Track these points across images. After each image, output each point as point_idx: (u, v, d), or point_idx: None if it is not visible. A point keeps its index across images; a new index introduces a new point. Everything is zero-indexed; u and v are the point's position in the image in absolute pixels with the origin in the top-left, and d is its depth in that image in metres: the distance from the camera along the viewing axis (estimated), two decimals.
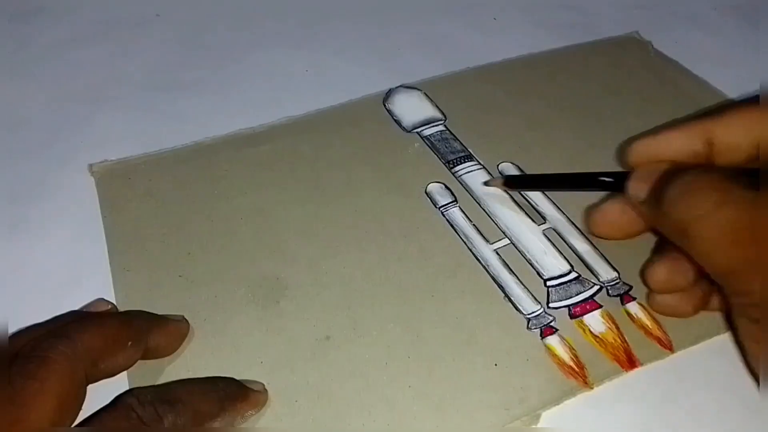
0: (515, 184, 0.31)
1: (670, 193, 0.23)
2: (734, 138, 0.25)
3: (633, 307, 0.29)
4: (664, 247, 0.28)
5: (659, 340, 0.28)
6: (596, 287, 0.30)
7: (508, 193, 0.34)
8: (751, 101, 0.26)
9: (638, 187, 0.26)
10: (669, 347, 0.28)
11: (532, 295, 0.29)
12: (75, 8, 0.48)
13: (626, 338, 0.28)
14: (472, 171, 0.35)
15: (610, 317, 0.29)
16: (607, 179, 0.28)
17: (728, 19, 0.48)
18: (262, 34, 0.46)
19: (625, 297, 0.30)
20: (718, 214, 0.22)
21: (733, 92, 0.40)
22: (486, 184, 0.32)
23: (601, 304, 0.29)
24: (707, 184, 0.22)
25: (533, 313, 0.29)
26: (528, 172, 0.35)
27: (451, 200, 0.33)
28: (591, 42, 0.45)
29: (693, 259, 0.24)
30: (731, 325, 0.26)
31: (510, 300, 0.29)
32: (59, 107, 0.40)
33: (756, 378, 0.25)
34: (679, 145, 0.26)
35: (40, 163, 0.36)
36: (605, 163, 0.36)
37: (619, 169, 0.35)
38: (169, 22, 0.47)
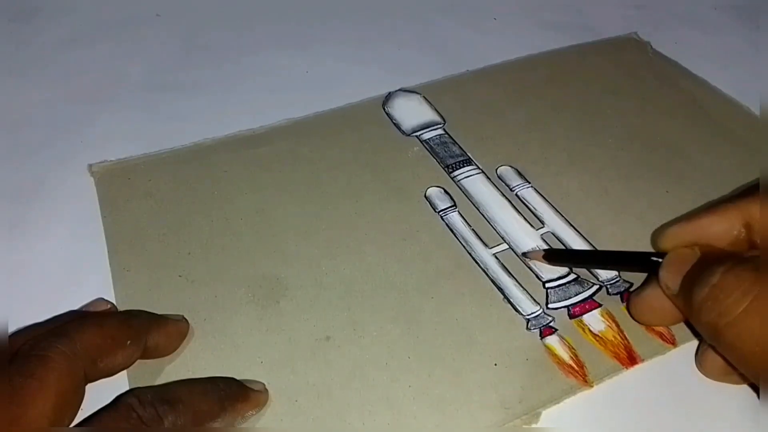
0: (555, 258, 0.30)
1: (698, 296, 0.22)
2: None
3: None
4: None
5: (661, 335, 0.28)
6: (595, 287, 0.30)
7: (507, 199, 0.34)
8: None
9: (669, 279, 0.24)
10: (672, 341, 0.28)
11: (531, 297, 0.30)
12: (75, 8, 0.48)
13: (627, 335, 0.28)
14: (471, 175, 0.35)
15: (609, 315, 0.29)
16: (645, 260, 0.27)
17: (728, 19, 0.48)
18: (263, 35, 0.46)
19: (625, 295, 0.30)
20: (749, 320, 0.21)
21: (733, 92, 0.40)
22: (524, 255, 0.31)
23: (601, 303, 0.29)
24: (736, 287, 0.21)
25: (532, 313, 0.29)
26: (526, 175, 0.35)
27: (450, 205, 0.34)
28: (590, 42, 0.45)
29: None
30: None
31: (509, 301, 0.29)
32: (59, 107, 0.40)
33: None
34: (717, 230, 0.25)
35: (40, 163, 0.36)
36: (605, 162, 0.36)
37: (622, 169, 0.36)
38: (169, 22, 0.47)
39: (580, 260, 0.31)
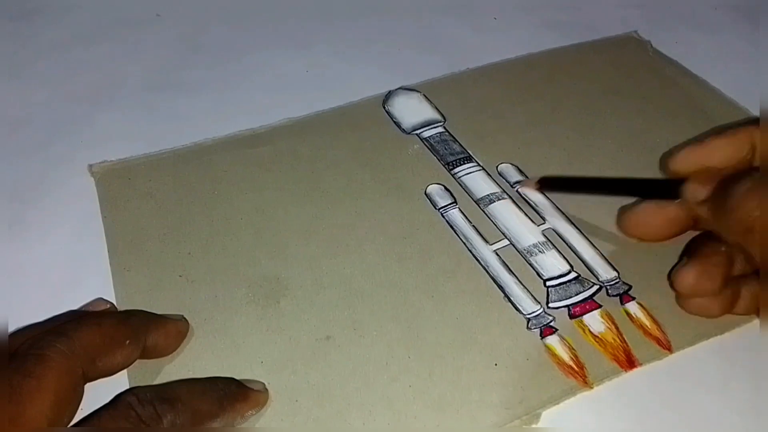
0: (551, 186, 0.31)
1: (737, 191, 0.24)
2: None
3: (632, 307, 0.29)
4: (692, 250, 0.28)
5: (658, 341, 0.28)
6: (596, 287, 0.30)
7: (509, 196, 0.34)
8: None
9: (697, 189, 0.26)
10: (668, 347, 0.28)
11: (532, 295, 0.30)
12: (75, 8, 0.48)
13: (625, 338, 0.28)
14: (471, 172, 0.35)
15: (609, 317, 0.29)
16: (657, 185, 0.29)
17: (728, 19, 0.48)
18: (263, 35, 0.46)
19: (624, 297, 0.30)
20: None
21: (732, 92, 0.40)
22: (518, 183, 0.32)
23: (601, 303, 0.29)
24: None
25: (533, 313, 0.29)
26: (527, 173, 0.35)
27: (450, 202, 0.34)
28: (590, 41, 0.45)
29: (752, 257, 0.25)
30: None
31: (510, 300, 0.29)
32: (59, 107, 0.40)
33: None
34: (727, 153, 0.27)
35: (40, 163, 0.36)
36: (605, 163, 0.36)
37: (621, 168, 0.36)
38: (169, 22, 0.47)
39: (576, 187, 0.32)
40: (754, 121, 0.27)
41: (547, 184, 0.31)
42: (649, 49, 0.45)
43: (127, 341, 0.24)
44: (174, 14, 0.48)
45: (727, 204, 0.25)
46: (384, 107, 0.39)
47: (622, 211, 0.31)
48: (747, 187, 0.24)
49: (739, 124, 0.27)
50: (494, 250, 0.31)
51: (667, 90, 0.41)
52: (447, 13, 0.48)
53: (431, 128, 0.38)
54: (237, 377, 0.25)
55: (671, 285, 0.28)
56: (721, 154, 0.27)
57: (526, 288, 0.30)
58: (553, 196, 0.34)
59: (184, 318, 0.28)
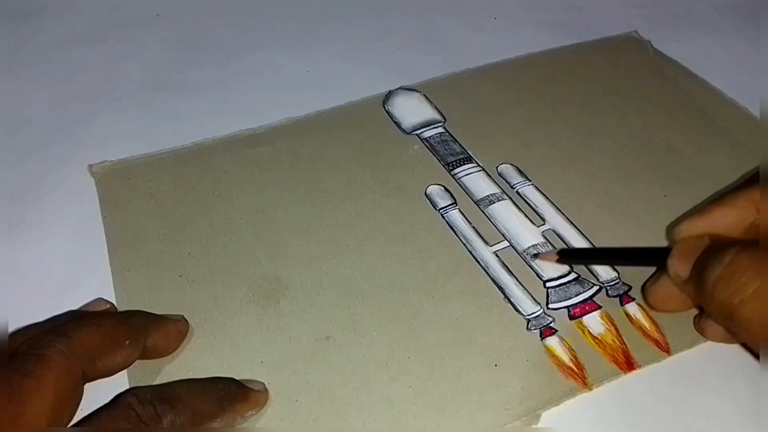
0: (568, 257, 0.30)
1: (711, 276, 0.23)
2: None
3: (632, 308, 0.29)
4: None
5: (657, 343, 0.28)
6: (595, 288, 0.30)
7: (509, 197, 0.34)
8: None
9: (679, 267, 0.25)
10: (666, 350, 0.28)
11: (532, 296, 0.30)
12: (75, 8, 0.48)
13: (625, 340, 0.28)
14: (471, 173, 0.35)
15: (609, 318, 0.29)
16: (658, 254, 0.27)
17: (728, 19, 0.48)
18: (263, 35, 0.46)
19: (624, 297, 0.30)
20: (762, 299, 0.21)
21: (732, 92, 0.40)
22: (537, 257, 0.31)
23: (601, 305, 0.29)
24: (749, 266, 0.22)
25: (533, 314, 0.29)
26: (527, 173, 0.35)
27: (450, 202, 0.34)
28: (590, 41, 0.45)
29: (741, 338, 0.23)
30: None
31: (510, 301, 0.29)
32: (59, 107, 0.40)
33: None
34: (730, 220, 0.25)
35: (40, 163, 0.36)
36: (605, 163, 0.36)
37: (621, 168, 0.36)
38: (169, 22, 0.47)
39: (594, 258, 0.31)
40: (753, 181, 0.25)
41: (565, 255, 0.30)
42: (649, 49, 0.45)
43: (127, 341, 0.24)
44: (174, 14, 0.48)
45: (703, 290, 0.23)
46: (384, 107, 0.39)
47: (646, 286, 0.29)
48: (717, 275, 0.22)
49: (739, 188, 0.25)
50: (494, 252, 0.31)
51: (667, 90, 0.41)
52: (447, 13, 0.48)
53: (431, 128, 0.38)
54: (237, 377, 0.25)
55: (702, 334, 0.27)
56: (725, 222, 0.25)
57: (525, 289, 0.30)
58: (553, 196, 0.34)
59: (184, 318, 0.28)
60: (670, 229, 0.27)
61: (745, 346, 0.25)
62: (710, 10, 0.49)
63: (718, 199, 0.26)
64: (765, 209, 0.24)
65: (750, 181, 0.26)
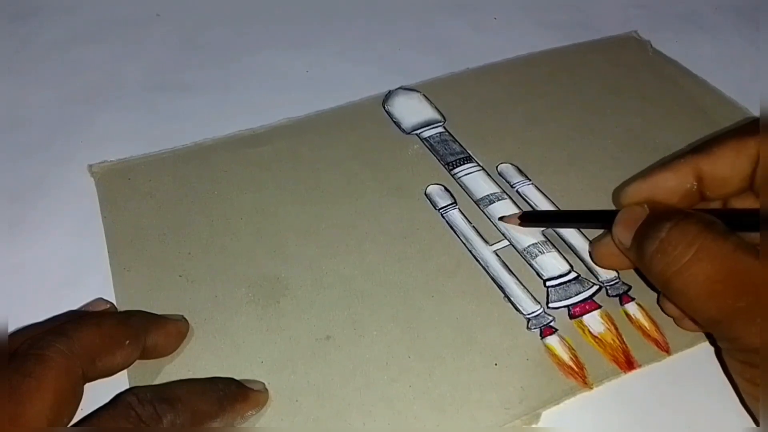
0: (529, 220, 0.32)
1: (648, 249, 0.24)
2: (722, 172, 0.26)
3: (631, 308, 0.29)
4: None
5: (656, 342, 0.28)
6: (595, 287, 0.30)
7: (509, 197, 0.34)
8: (737, 132, 0.26)
9: (622, 234, 0.26)
10: (666, 349, 0.28)
11: (532, 296, 0.30)
12: (75, 8, 0.48)
13: (625, 339, 0.28)
14: (471, 173, 0.35)
15: (609, 318, 0.29)
16: (601, 219, 0.29)
17: (728, 19, 0.48)
18: (263, 35, 0.46)
19: (624, 297, 0.30)
20: (694, 269, 0.22)
21: (733, 92, 0.40)
22: (501, 219, 0.32)
23: (600, 304, 0.29)
24: (681, 239, 0.23)
25: (533, 313, 0.29)
26: (527, 173, 0.35)
27: (450, 202, 0.34)
28: (590, 41, 0.45)
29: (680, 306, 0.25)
30: (721, 361, 0.27)
31: (510, 300, 0.29)
32: (59, 107, 0.40)
33: (753, 416, 0.25)
34: (671, 185, 0.27)
35: (40, 163, 0.36)
36: (605, 163, 0.36)
37: (621, 168, 0.36)
38: (169, 22, 0.47)
39: (552, 220, 0.32)
40: (697, 149, 0.27)
41: (527, 218, 0.32)
42: (649, 49, 0.45)
43: (127, 341, 0.24)
44: (174, 14, 0.48)
45: (642, 261, 0.25)
46: (384, 107, 0.39)
47: (592, 243, 0.30)
48: (654, 249, 0.24)
49: (684, 155, 0.27)
50: (494, 251, 0.31)
51: (667, 90, 0.41)
52: (447, 13, 0.48)
53: (431, 128, 0.38)
54: (237, 377, 0.25)
55: (663, 311, 0.28)
56: (666, 186, 0.27)
57: (526, 288, 0.30)
58: (553, 195, 0.34)
59: (184, 318, 0.28)
60: (617, 192, 0.29)
61: (746, 407, 0.26)
62: (710, 10, 0.49)
63: (662, 164, 0.27)
64: (765, 159, 0.25)
65: (694, 150, 0.27)
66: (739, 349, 0.23)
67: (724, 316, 0.22)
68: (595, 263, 0.30)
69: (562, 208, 0.33)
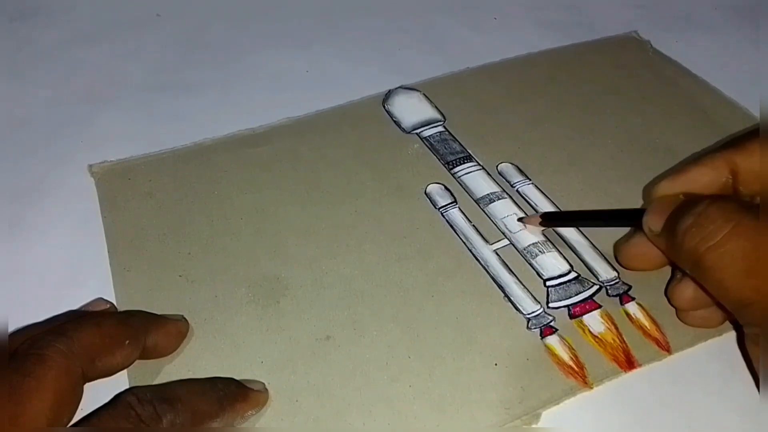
0: (551, 220, 0.31)
1: (683, 224, 0.23)
2: (756, 166, 0.25)
3: (632, 308, 0.29)
4: None
5: (657, 342, 0.28)
6: (596, 287, 0.30)
7: (510, 197, 0.34)
8: None
9: (653, 221, 0.25)
10: (666, 349, 0.28)
11: (532, 295, 0.29)
12: (75, 8, 0.48)
13: (625, 339, 0.28)
14: (471, 172, 0.35)
15: (609, 317, 0.29)
16: (627, 217, 0.28)
17: (728, 19, 0.48)
18: (263, 35, 0.46)
19: (624, 297, 0.30)
20: (730, 244, 0.22)
21: (732, 92, 0.40)
22: (520, 220, 0.32)
23: (601, 304, 0.29)
24: (719, 215, 0.22)
25: (533, 313, 0.29)
26: (527, 172, 0.35)
27: (450, 201, 0.34)
28: (590, 41, 0.45)
29: (707, 290, 0.24)
30: (742, 348, 0.27)
31: (510, 300, 0.29)
32: (59, 107, 0.40)
33: None
34: (706, 179, 0.26)
35: (40, 163, 0.36)
36: (605, 163, 0.36)
37: (621, 168, 0.36)
38: (169, 22, 0.47)
39: (575, 220, 0.32)
40: (730, 144, 0.26)
41: (548, 219, 0.31)
42: (649, 49, 0.45)
43: (127, 341, 0.24)
44: (174, 14, 0.48)
45: (674, 240, 0.24)
46: (384, 106, 0.39)
47: (617, 244, 0.30)
48: (689, 223, 0.23)
49: (717, 150, 0.27)
50: (494, 250, 0.31)
51: (667, 90, 0.41)
52: (447, 13, 0.48)
53: (431, 127, 0.38)
54: (237, 377, 0.25)
55: (669, 301, 0.28)
56: (701, 181, 0.26)
57: (526, 288, 0.30)
58: (553, 195, 0.34)
59: (184, 318, 0.28)
60: (649, 188, 0.28)
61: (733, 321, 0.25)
62: (710, 10, 0.49)
63: (695, 159, 0.27)
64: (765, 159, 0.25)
65: (728, 144, 0.26)
66: (766, 334, 0.22)
67: (756, 296, 0.21)
68: (623, 265, 0.30)
69: (562, 208, 0.33)
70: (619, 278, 0.30)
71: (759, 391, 0.25)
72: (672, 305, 0.28)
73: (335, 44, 0.45)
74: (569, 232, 0.32)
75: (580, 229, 0.32)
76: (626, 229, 0.30)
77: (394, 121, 0.38)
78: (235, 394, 0.24)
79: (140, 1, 0.49)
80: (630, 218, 0.28)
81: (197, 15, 0.48)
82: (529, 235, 0.32)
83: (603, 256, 0.31)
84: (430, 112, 0.39)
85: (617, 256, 0.30)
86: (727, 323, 0.28)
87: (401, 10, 0.49)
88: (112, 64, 0.43)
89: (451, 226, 0.32)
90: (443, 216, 0.33)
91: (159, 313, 0.27)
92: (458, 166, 0.35)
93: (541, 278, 0.30)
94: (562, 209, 0.33)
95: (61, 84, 0.41)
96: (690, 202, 0.24)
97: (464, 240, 0.32)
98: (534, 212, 0.33)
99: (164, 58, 0.44)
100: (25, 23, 0.46)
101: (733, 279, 0.22)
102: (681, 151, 0.36)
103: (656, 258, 0.27)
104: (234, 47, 0.45)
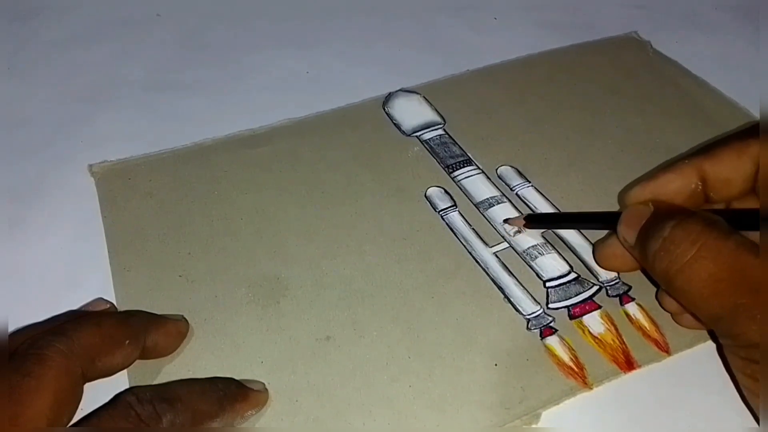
0: (534, 221, 0.32)
1: (651, 247, 0.24)
2: (725, 174, 0.26)
3: (631, 308, 0.29)
4: None
5: (656, 343, 0.28)
6: (595, 287, 0.30)
7: (508, 199, 0.34)
8: (740, 134, 0.27)
9: (626, 233, 0.26)
10: (666, 350, 0.28)
11: (532, 296, 0.30)
12: (75, 8, 0.48)
13: (624, 339, 0.28)
14: (471, 176, 0.35)
15: (609, 318, 0.29)
16: (605, 220, 0.29)
17: (728, 19, 0.48)
18: (263, 35, 0.46)
19: (624, 297, 0.30)
20: (695, 267, 0.23)
21: (733, 92, 0.40)
22: (506, 221, 0.32)
23: (600, 304, 0.29)
24: (684, 238, 0.23)
25: (533, 313, 0.29)
26: (527, 174, 0.35)
27: (450, 204, 0.34)
28: (590, 42, 0.45)
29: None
30: (722, 358, 0.27)
31: (510, 301, 0.29)
32: (59, 107, 0.40)
33: (754, 413, 0.25)
34: (675, 186, 0.27)
35: (40, 163, 0.36)
36: (605, 163, 0.36)
37: (621, 168, 0.36)
38: (169, 22, 0.47)
39: (557, 221, 0.33)
40: (701, 151, 0.27)
41: (532, 220, 0.32)
42: (649, 49, 0.45)
43: (127, 341, 0.24)
44: (174, 14, 0.48)
45: (646, 260, 0.25)
46: (384, 109, 0.39)
47: (596, 244, 0.30)
48: (657, 247, 0.24)
49: (687, 157, 0.27)
50: (494, 252, 0.31)
51: (667, 90, 0.41)
52: (447, 13, 0.48)
53: (431, 130, 0.38)
54: (237, 377, 0.25)
55: (661, 306, 0.28)
56: (670, 188, 0.27)
57: (525, 289, 0.30)
58: (553, 197, 0.34)
59: (184, 318, 0.28)
60: (622, 194, 0.29)
61: (746, 404, 0.26)
62: (710, 10, 0.49)
63: (666, 166, 0.28)
64: (765, 159, 0.26)
65: (698, 152, 0.27)
66: (741, 346, 0.23)
67: (725, 312, 0.22)
68: (599, 265, 0.30)
69: (562, 210, 0.33)
70: (619, 278, 0.30)
71: (740, 398, 0.26)
72: (664, 309, 0.28)
73: (335, 44, 0.45)
74: (569, 234, 0.32)
75: (580, 230, 0.32)
76: None
77: (394, 124, 0.38)
78: (235, 394, 0.24)
79: (140, 1, 0.49)
80: (607, 221, 0.29)
81: (197, 15, 0.48)
82: (528, 238, 0.32)
83: None
84: (430, 115, 0.39)
85: (595, 257, 0.30)
86: None
87: (401, 10, 0.49)
88: (112, 64, 0.43)
89: (451, 229, 0.32)
90: (443, 219, 0.33)
91: (159, 313, 0.27)
92: (458, 169, 0.35)
93: (541, 279, 0.30)
94: (561, 210, 0.33)
95: (61, 84, 0.41)
96: (657, 219, 0.25)
97: (464, 242, 0.32)
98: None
99: (164, 58, 0.44)
100: (25, 23, 0.46)
101: (702, 298, 0.23)
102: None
103: (631, 260, 0.27)
104: (234, 47, 0.45)
